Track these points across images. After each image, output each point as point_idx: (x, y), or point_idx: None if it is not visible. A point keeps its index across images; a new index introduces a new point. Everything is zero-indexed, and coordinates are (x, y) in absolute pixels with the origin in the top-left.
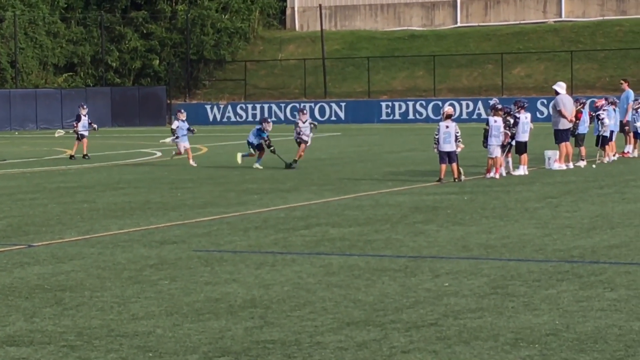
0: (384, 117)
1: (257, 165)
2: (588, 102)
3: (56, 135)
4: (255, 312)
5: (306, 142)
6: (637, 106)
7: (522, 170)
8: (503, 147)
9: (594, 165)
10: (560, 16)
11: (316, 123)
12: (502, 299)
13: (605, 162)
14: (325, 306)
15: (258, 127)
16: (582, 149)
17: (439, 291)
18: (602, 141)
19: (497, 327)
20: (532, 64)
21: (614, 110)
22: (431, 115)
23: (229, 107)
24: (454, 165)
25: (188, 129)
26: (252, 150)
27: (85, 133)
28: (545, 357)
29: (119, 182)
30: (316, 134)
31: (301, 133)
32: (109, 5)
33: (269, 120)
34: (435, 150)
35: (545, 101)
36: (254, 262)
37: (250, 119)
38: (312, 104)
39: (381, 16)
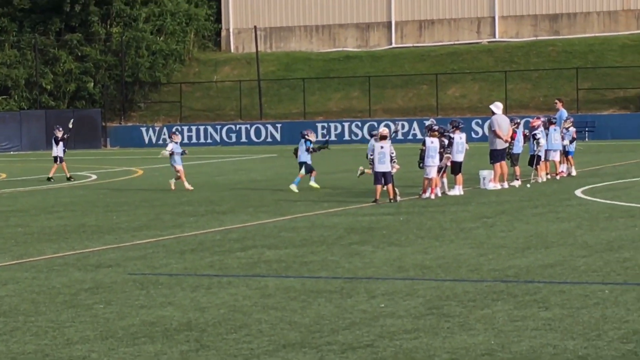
0: (319, 138)
1: (313, 183)
2: (522, 121)
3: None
4: (191, 336)
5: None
6: (568, 125)
7: (458, 191)
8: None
9: (528, 185)
10: (494, 37)
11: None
12: (437, 320)
13: (540, 181)
14: (261, 328)
15: (303, 141)
16: (517, 168)
17: (374, 312)
18: (537, 161)
19: (432, 347)
20: (467, 84)
21: (554, 129)
22: (367, 136)
23: (165, 129)
24: (390, 185)
25: (182, 152)
26: (302, 171)
27: (62, 155)
28: None
29: (54, 205)
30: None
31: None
32: (43, 28)
33: (307, 130)
34: (371, 170)
35: (480, 121)
36: (190, 285)
37: (185, 140)
38: (248, 126)
39: (316, 37)
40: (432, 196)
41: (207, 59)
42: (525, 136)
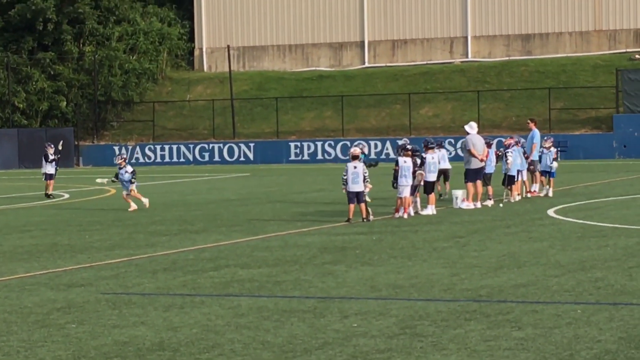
0: (292, 157)
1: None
2: (495, 141)
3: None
4: (163, 355)
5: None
6: (548, 145)
7: (430, 210)
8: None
9: (501, 205)
10: (467, 56)
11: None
12: (410, 339)
13: (512, 201)
14: (234, 348)
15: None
16: (490, 188)
17: (347, 332)
18: (509, 180)
19: None
20: (440, 103)
21: (518, 150)
22: (340, 156)
23: (137, 148)
24: (363, 205)
25: (130, 180)
26: None
27: (53, 172)
28: None
29: (26, 224)
30: (224, 175)
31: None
32: (15, 46)
33: (361, 144)
34: (344, 190)
35: (452, 140)
36: (163, 304)
37: (158, 159)
38: (221, 145)
39: (289, 57)
40: (405, 215)
41: (180, 78)
42: (498, 155)
